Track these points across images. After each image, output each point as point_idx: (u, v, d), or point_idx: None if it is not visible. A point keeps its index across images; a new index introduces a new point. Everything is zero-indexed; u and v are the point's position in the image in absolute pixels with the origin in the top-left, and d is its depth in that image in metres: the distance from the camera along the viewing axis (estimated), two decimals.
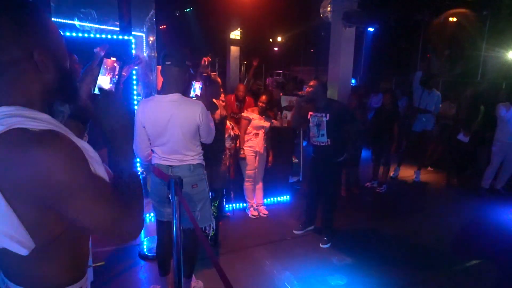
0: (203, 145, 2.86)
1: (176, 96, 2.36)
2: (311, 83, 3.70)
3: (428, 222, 4.65)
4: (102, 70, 1.06)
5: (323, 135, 3.63)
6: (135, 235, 0.95)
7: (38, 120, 0.81)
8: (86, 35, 3.77)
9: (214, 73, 4.29)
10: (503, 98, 5.47)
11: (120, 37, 3.92)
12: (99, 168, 0.88)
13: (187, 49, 2.63)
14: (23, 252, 0.81)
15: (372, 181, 5.88)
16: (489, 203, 5.30)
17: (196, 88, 2.59)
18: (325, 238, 3.82)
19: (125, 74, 1.07)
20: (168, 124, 2.36)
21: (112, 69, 1.08)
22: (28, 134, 0.76)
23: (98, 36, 3.80)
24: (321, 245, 3.79)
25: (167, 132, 2.39)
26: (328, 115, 3.58)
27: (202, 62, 4.35)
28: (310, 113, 3.71)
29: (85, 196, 0.82)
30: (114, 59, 1.09)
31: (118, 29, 4.42)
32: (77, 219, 0.84)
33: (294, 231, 4.07)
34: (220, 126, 3.32)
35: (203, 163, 2.58)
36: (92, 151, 0.88)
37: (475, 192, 5.69)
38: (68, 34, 3.60)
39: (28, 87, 0.87)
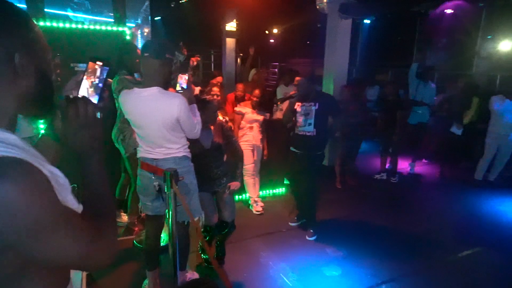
0: (201, 172, 2.79)
1: (154, 90, 2.28)
2: (296, 81, 3.80)
3: (422, 213, 4.69)
4: (85, 75, 0.98)
5: (310, 124, 3.68)
6: (108, 262, 0.88)
7: (1, 143, 0.71)
8: (79, 26, 3.72)
9: (213, 95, 4.08)
10: (497, 90, 5.49)
11: (115, 28, 3.88)
12: (68, 196, 0.81)
13: (169, 42, 2.53)
14: None
15: (381, 173, 5.92)
16: (482, 194, 5.35)
17: (182, 81, 2.53)
18: (311, 231, 3.86)
19: (111, 80, 0.98)
20: (148, 118, 2.31)
21: (93, 72, 0.99)
22: None
23: (92, 27, 3.75)
24: (307, 238, 3.82)
25: (148, 126, 2.34)
26: (317, 104, 3.64)
27: (191, 63, 4.29)
28: (299, 104, 3.74)
29: (50, 233, 0.73)
30: (101, 63, 0.99)
31: (112, 20, 4.38)
32: (41, 258, 0.75)
33: (289, 223, 4.10)
34: (217, 152, 3.12)
35: (189, 155, 2.53)
36: (62, 177, 0.81)
37: (469, 184, 5.74)
38: (61, 25, 3.55)
39: (1, 94, 0.78)
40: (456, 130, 5.72)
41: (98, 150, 0.95)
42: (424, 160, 6.91)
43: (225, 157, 3.27)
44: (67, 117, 0.91)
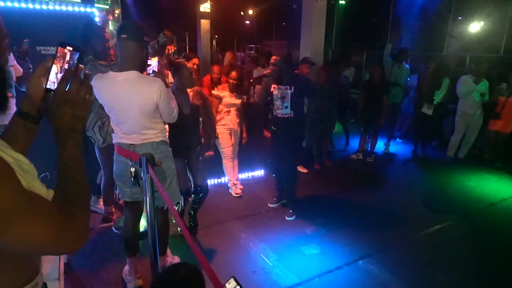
0: (178, 139, 2.79)
1: (132, 74, 2.20)
2: (272, 60, 3.77)
3: (396, 191, 4.86)
4: (55, 60, 0.95)
5: (287, 107, 3.72)
6: (78, 247, 0.85)
7: None
8: (44, 7, 3.52)
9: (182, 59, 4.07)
10: (468, 71, 5.66)
11: (82, 9, 3.70)
12: (34, 182, 0.79)
13: (146, 25, 2.46)
14: None
15: (358, 153, 6.04)
16: (452, 171, 5.59)
17: (153, 63, 2.45)
18: (290, 211, 3.93)
19: (82, 66, 0.94)
20: (125, 104, 2.22)
21: (63, 57, 0.95)
22: None
23: (57, 8, 3.56)
24: (286, 218, 3.89)
25: (125, 112, 2.26)
26: (293, 87, 3.67)
27: (166, 51, 4.17)
28: (274, 86, 3.75)
29: (13, 219, 0.70)
30: (71, 48, 0.95)
31: (79, 1, 4.17)
32: (8, 245, 0.73)
33: (268, 204, 4.15)
34: (195, 118, 3.15)
35: (167, 140, 2.51)
36: (26, 164, 0.78)
37: (440, 161, 5.97)
38: (23, 5, 3.35)
39: None
40: (427, 110, 5.89)
41: (77, 133, 0.91)
42: (398, 140, 7.11)
43: (201, 122, 3.37)
44: (54, 94, 0.88)
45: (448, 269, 3.13)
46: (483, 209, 4.33)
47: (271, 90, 3.77)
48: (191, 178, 3.37)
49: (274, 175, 4.29)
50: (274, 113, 3.89)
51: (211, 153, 3.43)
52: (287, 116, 3.75)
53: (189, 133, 3.14)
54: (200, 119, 3.34)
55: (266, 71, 3.85)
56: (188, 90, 3.19)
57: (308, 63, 5.09)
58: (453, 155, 5.97)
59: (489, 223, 3.99)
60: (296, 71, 4.99)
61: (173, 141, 2.67)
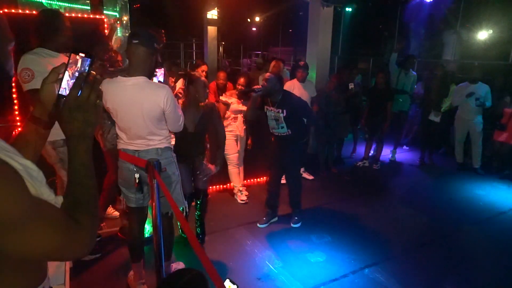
0: (183, 148, 2.79)
1: (140, 79, 2.22)
2: (266, 76, 3.56)
3: (403, 198, 4.81)
4: (67, 67, 0.96)
5: (282, 127, 3.57)
6: (84, 254, 0.86)
7: None
8: None
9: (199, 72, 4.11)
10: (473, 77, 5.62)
11: (92, 16, 3.76)
12: (42, 189, 0.78)
13: (157, 33, 2.49)
14: None
15: (364, 160, 6.00)
16: (462, 179, 5.52)
17: (158, 74, 2.47)
18: (296, 218, 3.90)
19: (94, 73, 0.95)
20: (131, 109, 2.24)
21: (74, 63, 0.96)
22: None
23: (67, 15, 3.62)
24: (292, 224, 3.86)
25: (130, 118, 2.28)
26: (285, 111, 3.49)
27: (200, 71, 4.23)
28: (266, 107, 3.61)
29: (20, 226, 0.70)
30: (83, 54, 0.96)
31: (89, 8, 4.24)
32: (15, 251, 0.73)
33: (258, 225, 3.84)
34: (199, 136, 3.14)
35: (171, 146, 2.52)
36: (35, 170, 0.78)
37: (451, 168, 5.91)
38: (35, 13, 3.41)
39: None
40: (435, 117, 5.85)
41: (88, 138, 0.92)
42: (405, 147, 7.07)
43: (207, 144, 3.33)
44: (66, 100, 0.89)
45: (456, 278, 3.08)
46: (491, 218, 4.26)
47: (265, 110, 3.63)
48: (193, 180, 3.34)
49: (268, 189, 3.98)
50: (271, 131, 3.73)
51: (212, 167, 3.22)
52: (284, 134, 3.63)
53: (192, 148, 3.13)
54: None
55: (256, 86, 3.70)
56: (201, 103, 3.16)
57: (301, 69, 4.92)
58: (462, 160, 5.92)
59: (498, 233, 3.93)
60: (294, 78, 4.97)
61: (178, 150, 2.69)
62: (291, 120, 3.55)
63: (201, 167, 3.22)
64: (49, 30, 2.54)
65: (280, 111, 3.51)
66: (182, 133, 2.89)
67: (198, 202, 3.38)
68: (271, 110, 3.56)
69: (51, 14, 2.63)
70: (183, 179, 3.05)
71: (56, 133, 1.03)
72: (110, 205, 3.81)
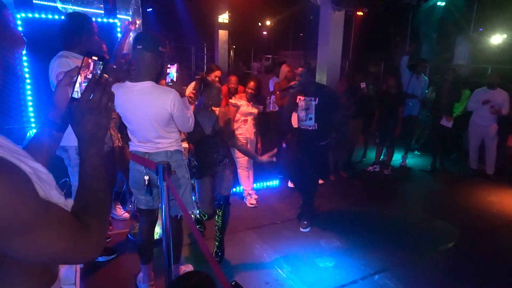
0: (203, 158, 2.80)
1: (147, 84, 2.24)
2: (299, 71, 3.68)
3: (413, 204, 4.75)
4: (80, 70, 0.97)
5: (311, 118, 3.66)
6: (95, 255, 0.87)
7: None
8: None
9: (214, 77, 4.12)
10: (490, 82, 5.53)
11: (105, 20, 3.82)
12: (52, 192, 0.78)
13: (163, 35, 2.49)
14: None
15: (375, 165, 5.96)
16: (472, 185, 5.43)
17: (172, 72, 2.47)
18: (305, 222, 3.87)
19: (106, 76, 0.95)
20: (139, 114, 2.27)
21: (87, 66, 0.97)
22: None
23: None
24: (301, 229, 3.84)
25: (139, 122, 2.31)
26: (317, 99, 3.62)
27: (213, 76, 4.28)
28: (299, 97, 3.71)
29: (29, 229, 0.70)
30: (96, 58, 0.97)
31: (102, 12, 4.31)
32: (21, 254, 0.73)
33: (301, 229, 3.84)
34: (217, 138, 3.06)
35: (182, 149, 2.53)
36: (45, 173, 0.78)
37: (461, 175, 5.81)
38: (50, 16, 3.49)
39: None
40: (446, 122, 5.78)
41: (100, 141, 0.92)
42: (416, 152, 6.98)
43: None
44: (78, 103, 0.90)
45: (467, 287, 3.02)
46: (505, 226, 4.18)
47: (297, 101, 3.72)
48: (214, 189, 3.23)
49: (300, 192, 4.09)
50: (298, 125, 3.84)
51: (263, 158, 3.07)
52: (311, 128, 3.69)
53: (212, 151, 3.07)
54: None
55: (292, 82, 3.80)
56: (215, 108, 3.14)
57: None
58: (476, 166, 5.82)
59: (511, 241, 3.85)
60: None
61: (198, 157, 2.69)
62: (321, 112, 3.63)
63: (224, 174, 3.14)
64: (80, 34, 2.56)
65: (313, 99, 3.62)
66: (199, 138, 2.90)
67: (219, 212, 3.22)
68: (304, 99, 3.67)
69: (81, 18, 2.64)
70: (202, 198, 3.11)
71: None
72: (120, 207, 3.86)
